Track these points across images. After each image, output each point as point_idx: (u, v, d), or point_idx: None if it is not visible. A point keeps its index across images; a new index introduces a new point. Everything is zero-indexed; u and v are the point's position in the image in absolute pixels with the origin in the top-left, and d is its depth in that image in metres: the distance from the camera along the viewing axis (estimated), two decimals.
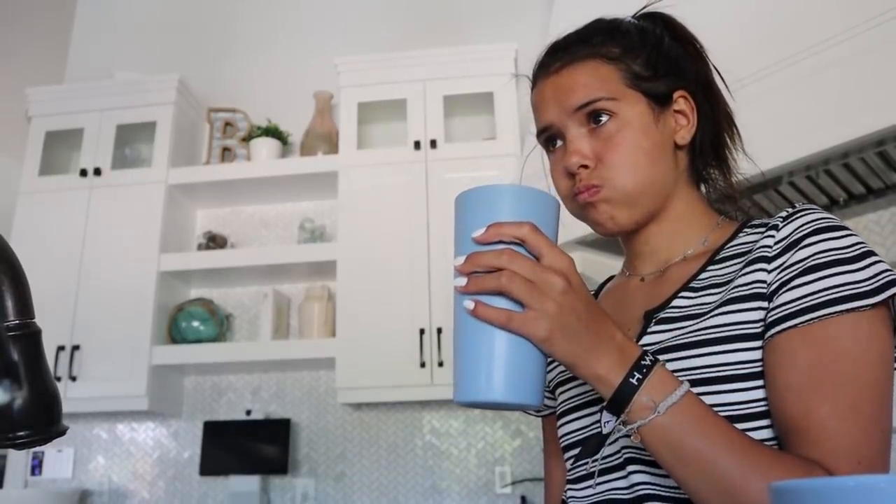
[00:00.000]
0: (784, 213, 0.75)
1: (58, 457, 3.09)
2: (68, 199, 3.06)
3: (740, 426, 0.69)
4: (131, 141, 3.27)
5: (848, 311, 0.66)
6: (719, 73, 0.89)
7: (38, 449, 3.09)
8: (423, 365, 2.69)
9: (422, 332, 2.72)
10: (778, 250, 0.72)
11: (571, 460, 0.84)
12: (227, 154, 3.26)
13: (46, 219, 3.05)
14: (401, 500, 2.91)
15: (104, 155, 3.11)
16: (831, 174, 1.80)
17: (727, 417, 0.69)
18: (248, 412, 3.06)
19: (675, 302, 0.79)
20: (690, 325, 0.75)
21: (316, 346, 2.87)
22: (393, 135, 3.13)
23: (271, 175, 3.07)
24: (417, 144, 2.93)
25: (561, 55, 0.84)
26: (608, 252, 2.29)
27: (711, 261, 0.81)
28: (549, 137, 0.85)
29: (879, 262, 0.69)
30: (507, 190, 0.64)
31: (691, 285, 0.79)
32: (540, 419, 1.01)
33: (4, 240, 0.56)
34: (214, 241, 3.12)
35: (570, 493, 0.84)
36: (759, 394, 0.70)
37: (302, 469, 2.99)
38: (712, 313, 0.74)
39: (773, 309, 0.70)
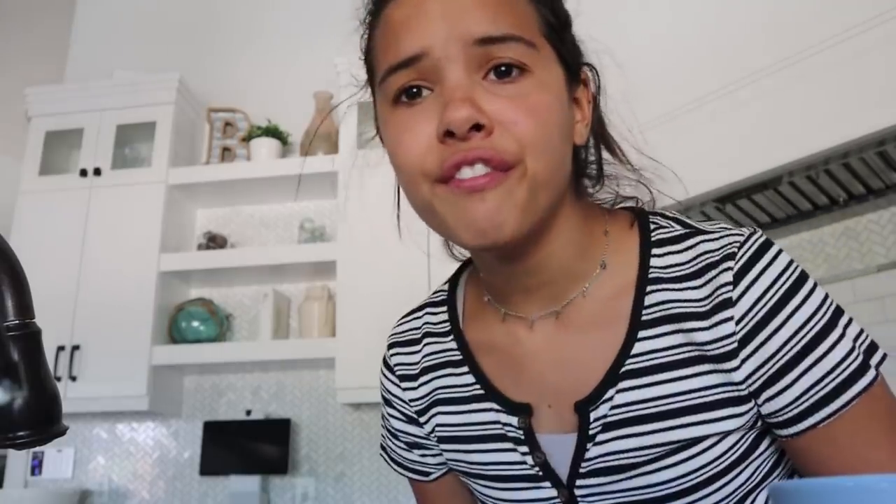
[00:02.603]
0: (728, 277, 0.60)
1: (58, 457, 3.09)
2: (68, 198, 3.06)
3: (717, 483, 0.62)
4: (131, 141, 3.26)
5: (857, 395, 0.59)
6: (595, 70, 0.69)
7: (38, 449, 3.09)
8: None
9: None
10: (741, 335, 0.60)
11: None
12: (227, 154, 3.26)
13: (46, 219, 3.04)
14: (401, 500, 2.91)
15: (104, 155, 3.11)
16: (831, 174, 1.79)
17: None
18: (248, 412, 3.06)
19: (616, 399, 0.62)
20: (650, 434, 0.61)
21: (316, 346, 2.87)
22: None
23: (271, 175, 3.07)
24: None
25: None
26: None
27: (635, 322, 0.63)
28: (412, 80, 0.58)
29: (846, 323, 0.61)
30: None
31: (627, 368, 0.62)
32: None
33: (4, 240, 0.56)
34: (214, 241, 3.12)
35: None
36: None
37: (302, 469, 2.99)
38: (678, 417, 0.61)
39: (774, 413, 0.61)
